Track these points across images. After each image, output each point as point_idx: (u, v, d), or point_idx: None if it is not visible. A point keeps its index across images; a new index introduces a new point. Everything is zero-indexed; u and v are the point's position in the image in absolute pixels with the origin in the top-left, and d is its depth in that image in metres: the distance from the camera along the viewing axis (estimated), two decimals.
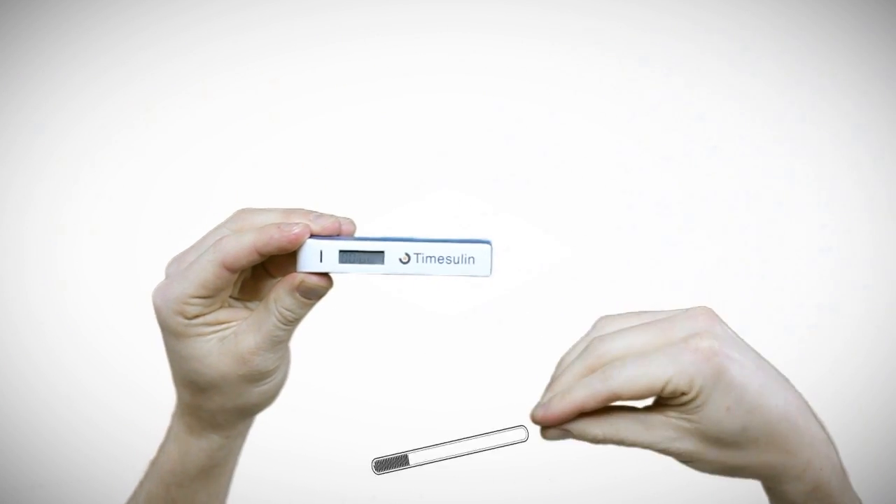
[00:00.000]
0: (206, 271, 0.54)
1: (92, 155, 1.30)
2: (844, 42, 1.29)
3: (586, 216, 1.29)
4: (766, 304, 1.29)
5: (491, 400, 1.28)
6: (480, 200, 1.29)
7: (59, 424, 1.27)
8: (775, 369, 0.53)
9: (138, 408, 1.24)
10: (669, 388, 0.50)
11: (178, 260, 0.57)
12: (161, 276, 0.57)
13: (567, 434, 0.53)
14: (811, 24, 1.29)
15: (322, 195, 1.28)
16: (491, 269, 0.54)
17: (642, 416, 0.53)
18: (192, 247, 0.57)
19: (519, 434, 0.55)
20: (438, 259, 0.54)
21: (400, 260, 0.54)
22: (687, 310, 0.53)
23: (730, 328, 0.53)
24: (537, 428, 0.53)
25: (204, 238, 0.57)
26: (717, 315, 0.52)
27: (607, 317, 0.56)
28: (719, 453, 0.53)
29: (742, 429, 0.51)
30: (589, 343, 0.54)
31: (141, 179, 1.30)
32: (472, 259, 0.54)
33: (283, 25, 1.30)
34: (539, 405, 0.53)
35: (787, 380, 0.54)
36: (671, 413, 0.52)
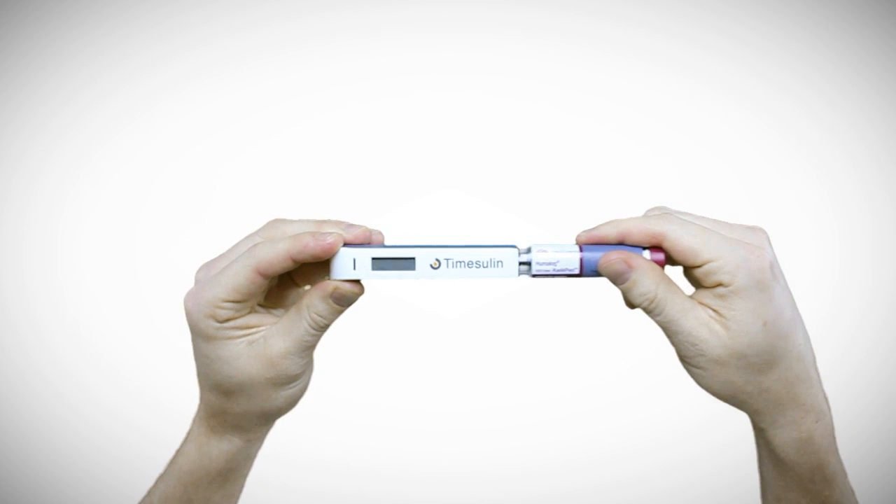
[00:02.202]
0: (239, 276, 0.55)
1: (92, 155, 1.30)
2: (845, 42, 1.29)
3: (588, 217, 1.28)
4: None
5: (491, 400, 1.29)
6: (481, 200, 1.29)
7: (59, 424, 1.27)
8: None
9: (138, 407, 1.24)
10: (712, 266, 0.52)
11: (208, 266, 0.58)
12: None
13: (626, 274, 0.54)
14: (812, 25, 1.29)
15: (322, 195, 1.28)
16: (520, 273, 0.56)
17: (690, 302, 0.54)
18: (223, 255, 0.58)
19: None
20: (468, 264, 0.55)
21: (431, 266, 0.55)
22: (748, 225, 0.56)
23: (775, 254, 0.55)
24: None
25: (235, 246, 0.58)
26: (768, 237, 0.56)
27: (660, 206, 0.59)
28: (739, 372, 0.53)
29: (769, 349, 0.53)
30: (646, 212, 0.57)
31: (141, 179, 1.30)
32: (500, 263, 0.55)
33: (283, 25, 1.30)
34: (585, 230, 0.56)
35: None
36: (707, 310, 0.53)
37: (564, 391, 1.27)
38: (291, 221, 0.58)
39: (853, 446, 1.27)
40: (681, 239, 0.53)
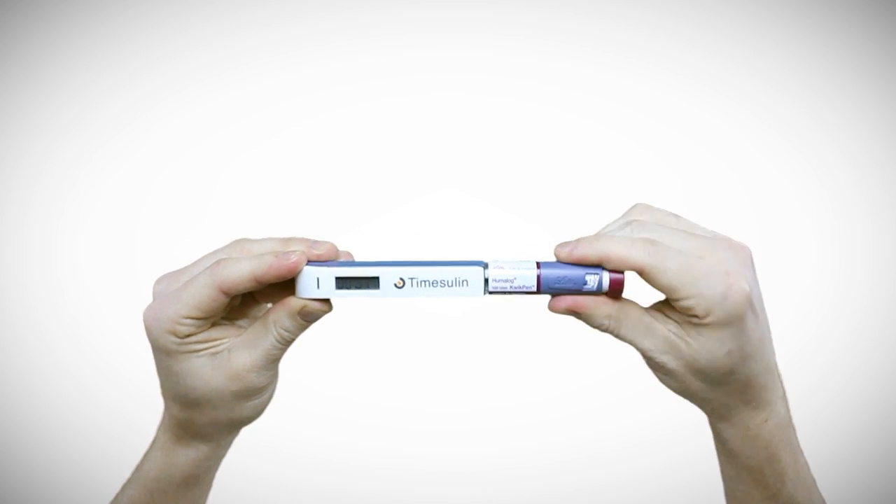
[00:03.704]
0: (201, 293, 0.54)
1: (92, 155, 1.30)
2: (846, 42, 1.29)
3: (588, 217, 1.28)
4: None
5: (491, 400, 1.28)
6: (481, 201, 1.29)
7: (59, 424, 1.27)
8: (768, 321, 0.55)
9: (138, 407, 1.24)
10: (688, 303, 0.51)
11: (168, 279, 0.57)
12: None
13: (575, 308, 0.53)
14: (812, 25, 1.29)
15: (322, 196, 1.28)
16: (484, 291, 0.55)
17: (648, 319, 0.54)
18: (185, 269, 0.57)
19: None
20: (432, 283, 0.55)
21: (395, 285, 0.55)
22: (730, 240, 0.54)
23: (755, 274, 0.54)
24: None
25: (198, 261, 0.57)
26: (751, 257, 0.53)
27: (644, 204, 0.56)
28: (694, 381, 0.54)
29: (730, 371, 0.53)
30: (631, 220, 0.54)
31: (141, 179, 1.30)
32: (465, 282, 0.55)
33: (283, 25, 1.30)
34: (565, 243, 0.54)
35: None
36: (671, 325, 0.53)
37: (564, 390, 1.27)
38: (256, 241, 0.57)
39: (853, 446, 1.27)
40: (660, 276, 0.51)
